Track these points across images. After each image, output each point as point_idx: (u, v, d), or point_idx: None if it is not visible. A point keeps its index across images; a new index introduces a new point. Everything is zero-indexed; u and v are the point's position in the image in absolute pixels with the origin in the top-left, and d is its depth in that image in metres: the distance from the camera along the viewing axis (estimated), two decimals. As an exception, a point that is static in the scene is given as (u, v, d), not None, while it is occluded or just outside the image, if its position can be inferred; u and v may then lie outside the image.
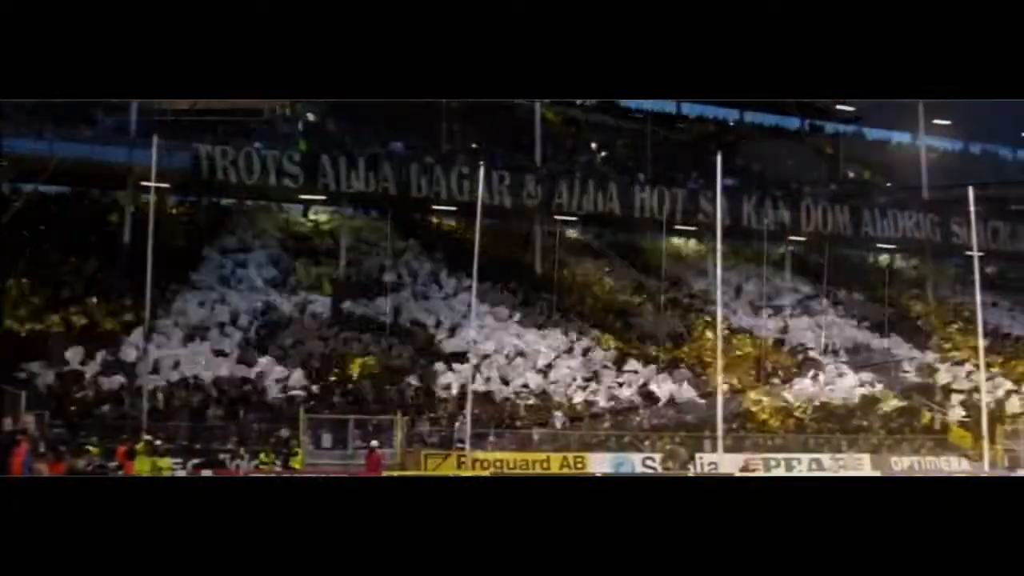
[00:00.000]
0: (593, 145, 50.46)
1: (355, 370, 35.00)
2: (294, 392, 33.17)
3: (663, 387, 37.71)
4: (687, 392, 37.70)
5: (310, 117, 43.61)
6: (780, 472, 33.84)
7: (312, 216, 46.41)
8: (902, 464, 36.23)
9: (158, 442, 27.83)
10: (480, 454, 31.65)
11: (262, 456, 28.93)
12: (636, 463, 33.22)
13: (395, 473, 29.14)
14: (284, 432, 31.18)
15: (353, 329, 38.02)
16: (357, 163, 40.68)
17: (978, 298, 35.00)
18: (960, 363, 44.69)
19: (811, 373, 41.52)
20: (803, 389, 40.11)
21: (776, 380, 40.44)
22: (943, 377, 43.85)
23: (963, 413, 40.06)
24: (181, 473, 27.51)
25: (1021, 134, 61.13)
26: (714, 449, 32.43)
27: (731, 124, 58.38)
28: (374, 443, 29.71)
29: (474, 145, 45.26)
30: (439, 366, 36.01)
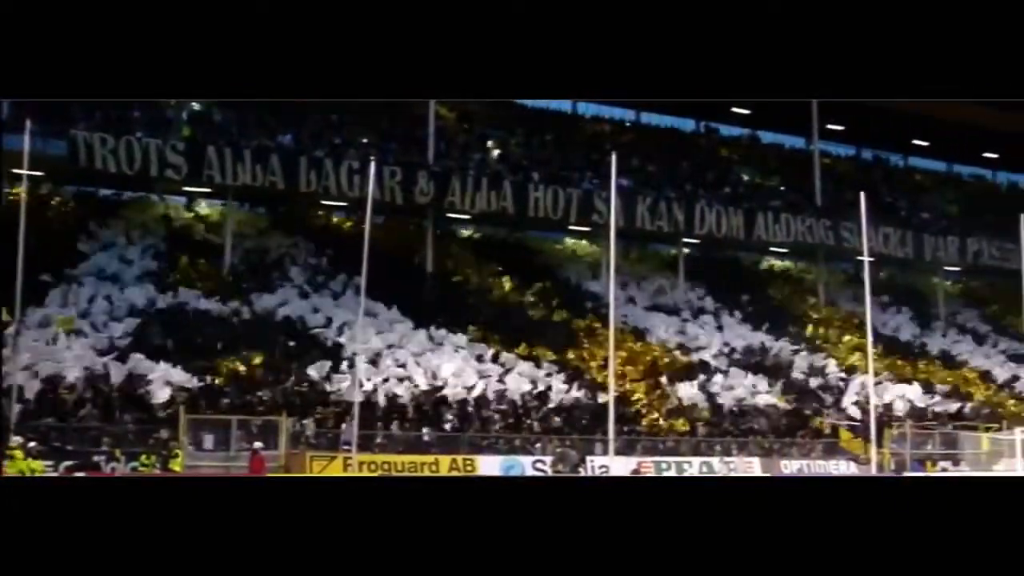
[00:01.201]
0: (488, 143, 50.53)
1: (239, 369, 34.50)
2: (174, 392, 32.55)
3: (555, 389, 37.96)
4: (579, 394, 38.00)
5: (195, 106, 42.89)
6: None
7: (196, 209, 45.62)
8: (792, 468, 37.07)
9: (31, 444, 27.14)
10: (367, 456, 31.48)
11: (142, 458, 28.38)
12: (527, 466, 33.41)
13: (281, 474, 28.86)
14: (163, 433, 30.61)
15: (237, 327, 37.49)
16: (244, 155, 40.12)
17: (868, 302, 35.95)
18: (850, 367, 45.90)
19: (703, 376, 42.18)
20: (695, 392, 40.72)
21: (669, 383, 40.99)
22: (833, 381, 44.97)
23: (853, 417, 41.15)
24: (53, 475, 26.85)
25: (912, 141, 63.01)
26: (605, 452, 32.73)
27: (627, 124, 58.96)
28: (257, 445, 29.38)
29: (365, 140, 44.94)
30: (326, 366, 35.70)
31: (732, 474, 34.48)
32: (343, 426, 32.55)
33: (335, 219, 47.41)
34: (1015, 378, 48.90)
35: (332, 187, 41.47)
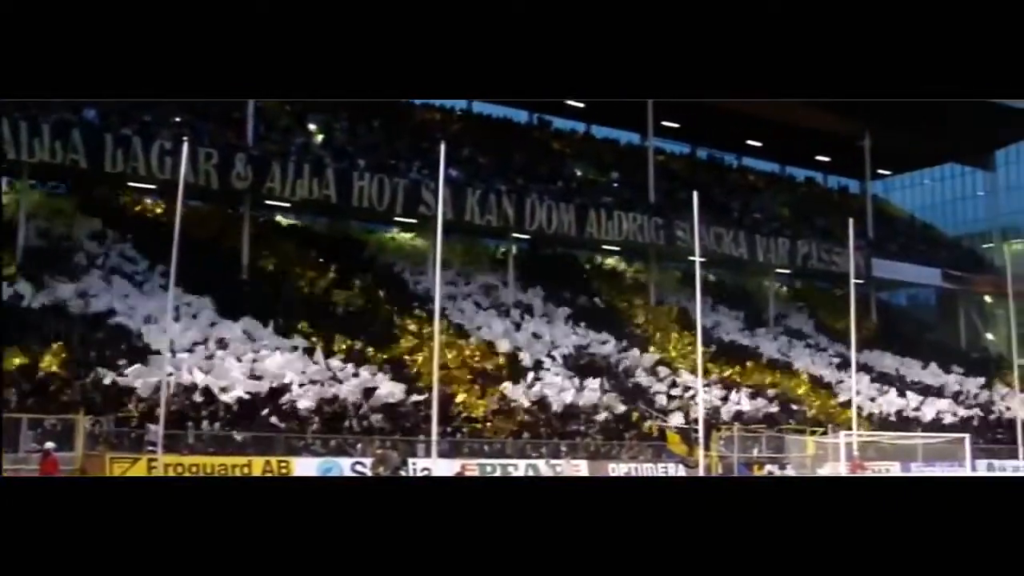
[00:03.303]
0: (311, 127, 50.06)
1: (32, 363, 33.31)
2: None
3: (376, 387, 37.85)
4: (401, 393, 37.97)
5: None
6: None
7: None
8: (619, 470, 37.86)
9: None
10: (174, 458, 30.74)
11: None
12: (345, 468, 33.16)
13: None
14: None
15: (32, 317, 36.17)
16: (42, 130, 38.68)
17: (699, 303, 37.00)
18: (679, 368, 47.14)
19: (531, 376, 42.66)
20: (522, 392, 41.15)
21: (495, 383, 41.33)
22: (663, 382, 46.09)
23: (681, 419, 42.28)
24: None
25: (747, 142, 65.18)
26: (428, 454, 32.84)
27: (458, 113, 59.25)
28: (49, 445, 28.33)
29: (178, 119, 43.91)
30: (129, 360, 34.76)
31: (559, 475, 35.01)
32: (148, 426, 31.76)
33: (144, 202, 46.20)
34: (840, 382, 51.00)
35: (141, 168, 40.33)
